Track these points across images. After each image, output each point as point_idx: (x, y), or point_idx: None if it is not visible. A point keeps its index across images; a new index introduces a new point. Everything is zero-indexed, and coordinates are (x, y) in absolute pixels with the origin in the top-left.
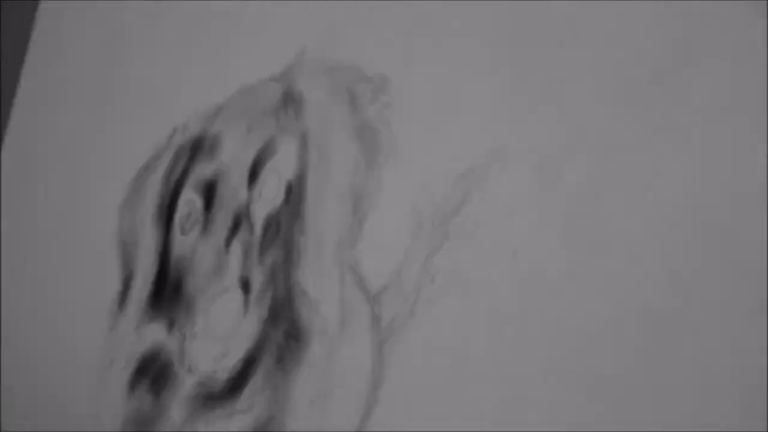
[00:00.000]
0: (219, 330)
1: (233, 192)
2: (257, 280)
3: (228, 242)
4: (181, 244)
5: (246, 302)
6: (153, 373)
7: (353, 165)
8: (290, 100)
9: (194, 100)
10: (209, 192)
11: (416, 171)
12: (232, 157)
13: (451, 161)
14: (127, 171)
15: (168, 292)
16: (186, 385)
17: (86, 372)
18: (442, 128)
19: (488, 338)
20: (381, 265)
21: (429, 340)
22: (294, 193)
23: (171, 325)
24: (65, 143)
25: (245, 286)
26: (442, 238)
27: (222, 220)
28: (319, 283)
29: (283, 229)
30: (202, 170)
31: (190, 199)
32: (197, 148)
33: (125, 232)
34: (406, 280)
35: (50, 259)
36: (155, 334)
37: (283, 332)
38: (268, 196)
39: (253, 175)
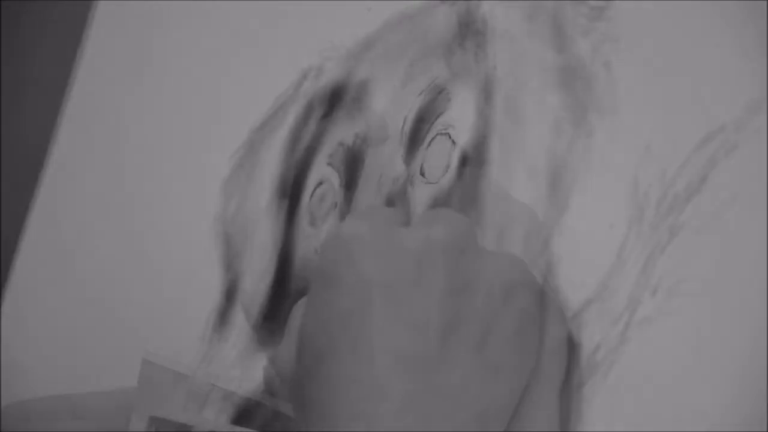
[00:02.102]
0: None
1: (385, 165)
2: None
3: None
4: (309, 239)
5: None
6: (258, 422)
7: (554, 125)
8: (469, 32)
9: (332, 32)
10: (351, 165)
11: (642, 133)
12: (384, 115)
13: (692, 117)
14: (236, 134)
15: (288, 308)
16: None
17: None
18: (680, 70)
19: (733, 373)
20: (584, 270)
21: (649, 377)
22: (470, 167)
23: None
24: (145, 96)
25: None
26: (671, 233)
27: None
28: None
29: None
30: (343, 133)
31: (324, 174)
32: (336, 101)
33: (230, 221)
34: (617, 292)
35: (126, 254)
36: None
37: None
38: (434, 171)
39: (414, 140)
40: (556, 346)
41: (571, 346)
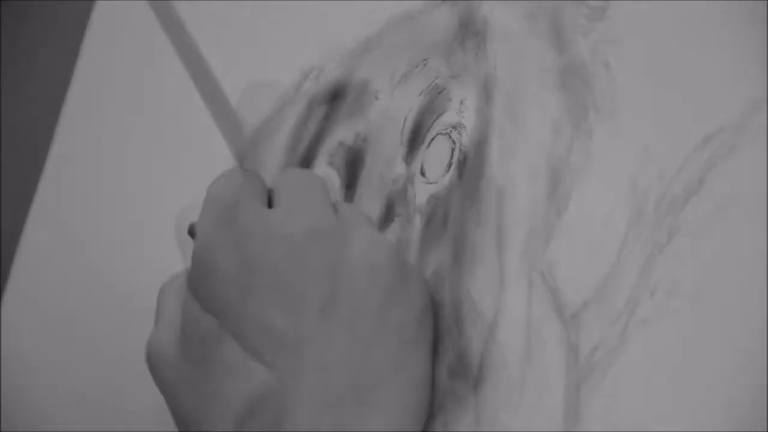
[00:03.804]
0: None
1: (385, 165)
2: None
3: None
4: None
5: None
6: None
7: (553, 125)
8: (470, 32)
9: (333, 31)
10: (352, 165)
11: (641, 134)
12: (384, 115)
13: (692, 118)
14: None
15: None
16: None
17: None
18: (680, 71)
19: (731, 374)
20: (582, 271)
21: (647, 378)
22: (470, 167)
23: None
24: (145, 96)
25: None
26: (670, 233)
27: (369, 206)
28: (498, 297)
29: (453, 218)
30: (343, 133)
31: (325, 174)
32: (336, 101)
33: None
34: (615, 293)
35: (126, 253)
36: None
37: (446, 368)
38: (435, 171)
39: (414, 140)
40: (420, 313)
41: (435, 309)
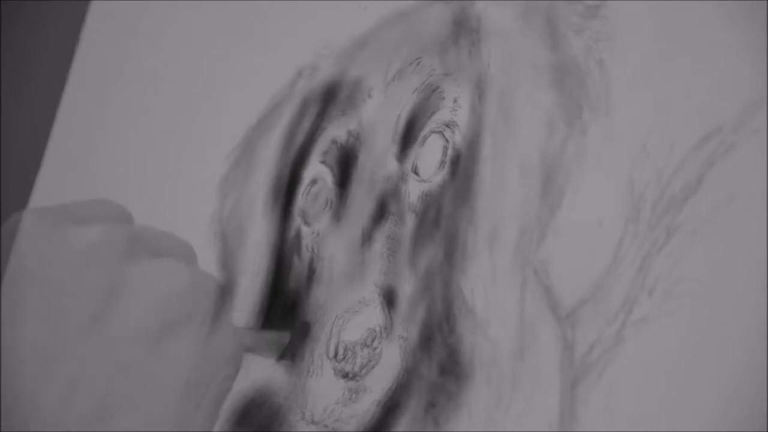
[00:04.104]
0: (350, 362)
1: (378, 163)
2: (405, 290)
3: (368, 236)
4: (303, 237)
5: (389, 322)
6: (257, 423)
7: (547, 123)
8: (464, 30)
9: (327, 31)
10: (345, 163)
11: (637, 132)
12: (378, 113)
13: (689, 117)
14: (231, 133)
15: (283, 306)
16: None
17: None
18: (676, 69)
19: (730, 374)
20: (578, 269)
21: (644, 377)
22: (463, 165)
23: (285, 355)
24: (141, 95)
25: (389, 298)
26: (668, 232)
27: (361, 204)
28: (490, 295)
29: (445, 216)
30: (336, 131)
31: (317, 173)
32: (330, 99)
33: (226, 220)
34: (612, 291)
35: None
36: (264, 367)
37: (437, 365)
38: (428, 169)
39: (407, 138)
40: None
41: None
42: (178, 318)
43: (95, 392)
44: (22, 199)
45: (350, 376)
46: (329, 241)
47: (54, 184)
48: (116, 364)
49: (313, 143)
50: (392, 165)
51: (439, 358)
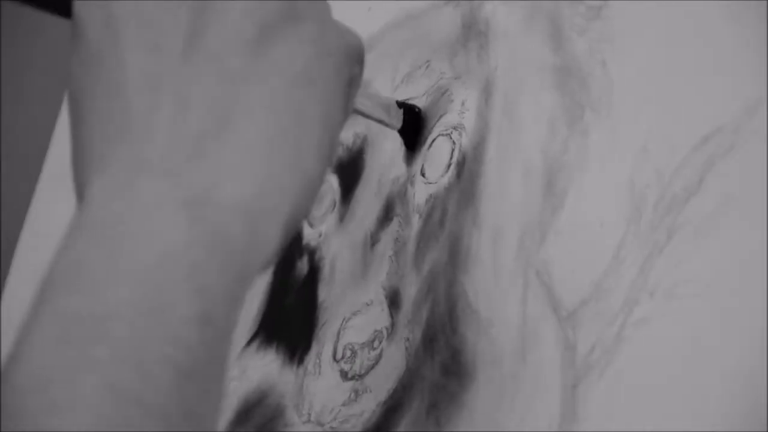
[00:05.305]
0: (356, 364)
1: (386, 165)
2: (410, 291)
3: (374, 237)
4: (307, 239)
5: (393, 323)
6: (256, 422)
7: (549, 124)
8: (473, 33)
9: None
10: (351, 165)
11: (638, 133)
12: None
13: (690, 118)
14: None
15: (286, 307)
16: None
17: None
18: (678, 70)
19: (731, 374)
20: (579, 270)
21: (646, 377)
22: (468, 167)
23: (287, 356)
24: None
25: (393, 300)
26: (669, 233)
27: (367, 206)
28: (493, 296)
29: (450, 217)
30: (342, 133)
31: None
32: None
33: None
34: (613, 292)
35: None
36: (264, 367)
37: (440, 365)
38: (435, 172)
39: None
40: (316, 49)
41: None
42: (273, 21)
43: (205, 105)
44: (22, 199)
45: (354, 377)
46: (334, 242)
47: (54, 185)
48: (221, 75)
49: None
50: (399, 167)
51: (442, 358)
